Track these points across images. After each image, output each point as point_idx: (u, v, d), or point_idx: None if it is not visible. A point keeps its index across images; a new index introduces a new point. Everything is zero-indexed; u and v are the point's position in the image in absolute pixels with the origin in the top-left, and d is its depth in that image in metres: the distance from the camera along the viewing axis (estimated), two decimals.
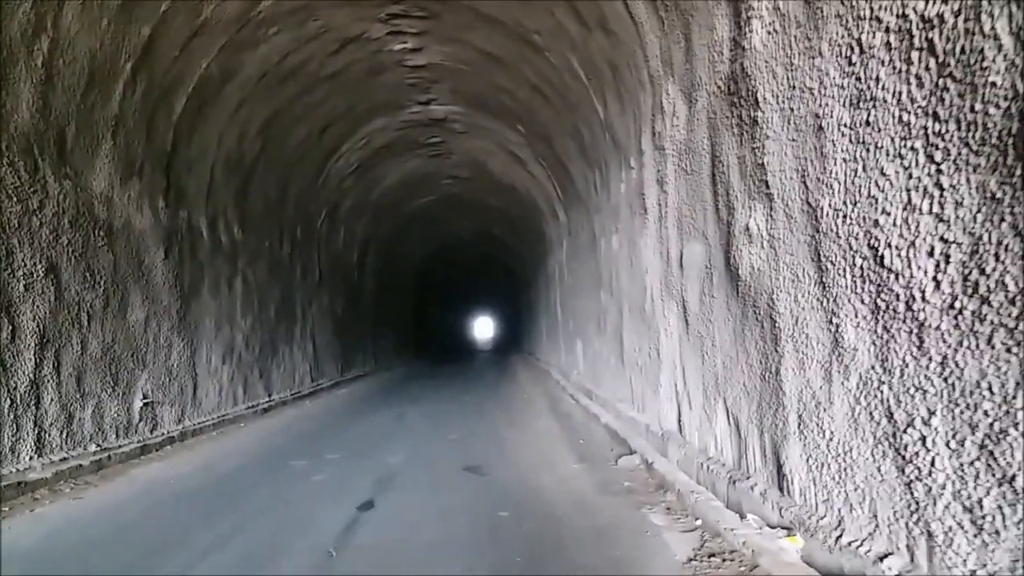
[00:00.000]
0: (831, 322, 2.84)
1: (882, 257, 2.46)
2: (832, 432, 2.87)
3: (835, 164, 2.76)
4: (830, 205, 2.81)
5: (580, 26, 6.58)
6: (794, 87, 3.10)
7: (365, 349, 17.31)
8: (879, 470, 2.52)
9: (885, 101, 2.40)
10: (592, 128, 7.92)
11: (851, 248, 2.67)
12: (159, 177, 7.22)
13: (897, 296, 2.38)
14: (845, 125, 2.67)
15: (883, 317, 2.46)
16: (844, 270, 2.73)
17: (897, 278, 2.37)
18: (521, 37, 7.96)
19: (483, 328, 46.08)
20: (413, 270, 23.79)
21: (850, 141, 2.64)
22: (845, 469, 2.77)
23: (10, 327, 5.01)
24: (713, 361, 4.33)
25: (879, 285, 2.48)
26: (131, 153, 6.64)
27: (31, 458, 5.12)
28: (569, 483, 4.73)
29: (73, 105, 5.69)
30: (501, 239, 22.79)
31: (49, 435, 5.37)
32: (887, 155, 2.41)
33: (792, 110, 3.16)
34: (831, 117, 2.78)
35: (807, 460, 3.15)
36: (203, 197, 8.29)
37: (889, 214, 2.41)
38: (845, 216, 2.70)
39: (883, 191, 2.44)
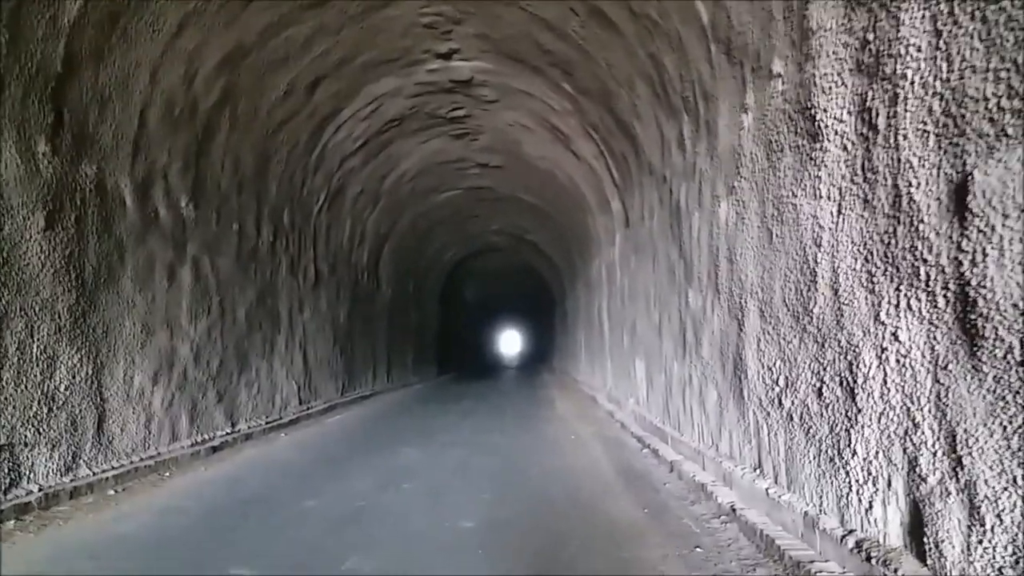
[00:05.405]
0: None
1: None
2: None
3: None
4: None
5: None
6: None
7: (376, 364, 14.81)
8: None
9: None
10: (683, 49, 5.35)
11: None
12: (39, 107, 4.82)
13: None
14: None
15: None
16: None
17: None
18: None
19: (510, 343, 43.38)
20: (438, 277, 21.28)
21: None
22: None
23: None
24: None
25: None
26: None
27: None
28: None
29: None
30: (534, 242, 20.22)
31: None
32: None
33: None
34: None
35: None
36: (128, 150, 5.89)
37: None
38: None
39: None
